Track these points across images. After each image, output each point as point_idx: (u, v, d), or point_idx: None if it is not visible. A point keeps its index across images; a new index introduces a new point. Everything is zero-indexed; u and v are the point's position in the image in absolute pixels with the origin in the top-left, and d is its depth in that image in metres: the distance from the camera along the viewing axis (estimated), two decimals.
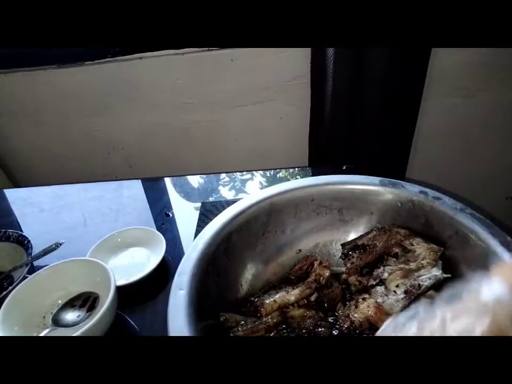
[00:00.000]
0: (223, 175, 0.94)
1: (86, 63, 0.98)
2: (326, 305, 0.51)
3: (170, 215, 0.79)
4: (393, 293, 0.48)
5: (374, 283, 0.50)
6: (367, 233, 0.55)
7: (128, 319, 0.57)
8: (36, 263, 0.67)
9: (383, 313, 0.46)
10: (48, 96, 1.05)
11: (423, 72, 0.91)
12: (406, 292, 0.48)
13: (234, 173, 0.94)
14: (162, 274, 0.63)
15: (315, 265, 0.53)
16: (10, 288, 0.56)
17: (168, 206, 0.82)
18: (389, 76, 0.89)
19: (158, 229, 0.74)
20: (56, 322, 0.52)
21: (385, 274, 0.50)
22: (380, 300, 0.48)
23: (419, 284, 0.48)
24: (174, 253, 0.68)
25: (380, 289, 0.49)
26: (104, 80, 1.02)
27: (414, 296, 0.47)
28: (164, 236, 0.66)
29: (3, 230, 0.70)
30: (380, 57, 0.86)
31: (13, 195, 0.94)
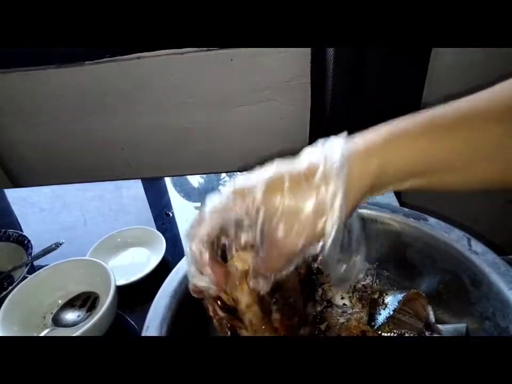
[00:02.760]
0: (223, 175, 0.94)
1: (85, 63, 0.98)
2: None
3: (170, 215, 0.79)
4: (344, 305, 0.46)
5: (322, 307, 0.46)
6: None
7: (128, 319, 0.57)
8: (35, 263, 0.67)
9: (361, 330, 0.43)
10: (48, 96, 1.05)
11: (423, 72, 0.91)
12: (360, 299, 0.46)
13: (235, 173, 0.94)
14: (162, 274, 0.63)
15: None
16: (10, 288, 0.56)
17: (168, 205, 0.82)
18: (389, 76, 0.89)
19: (158, 228, 0.73)
20: (56, 322, 0.52)
21: (330, 293, 0.47)
22: (342, 320, 0.44)
23: (363, 285, 0.47)
24: (174, 253, 0.68)
25: (333, 310, 0.46)
26: (104, 80, 1.02)
27: (369, 298, 0.46)
28: (163, 235, 0.66)
29: (3, 230, 0.70)
30: (380, 57, 0.86)
31: (13, 195, 0.94)
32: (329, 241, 0.27)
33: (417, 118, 0.29)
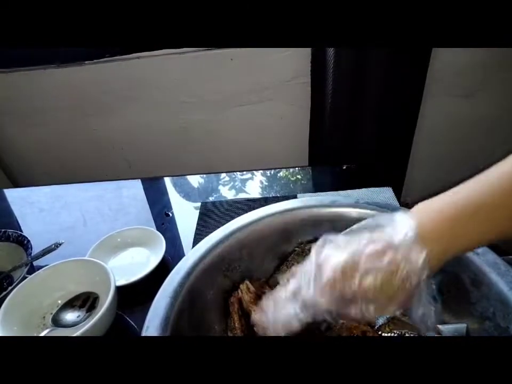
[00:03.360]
0: (223, 175, 0.94)
1: (85, 62, 0.98)
2: None
3: (170, 215, 0.79)
4: None
5: None
6: (285, 267, 0.50)
7: (128, 319, 0.57)
8: (35, 263, 0.67)
9: (361, 330, 0.43)
10: (48, 96, 1.05)
11: (423, 72, 0.91)
12: None
13: (234, 173, 0.94)
14: (162, 274, 0.63)
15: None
16: (10, 288, 0.56)
17: (168, 206, 0.82)
18: (389, 76, 0.89)
19: (158, 229, 0.73)
20: (56, 322, 0.52)
21: None
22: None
23: None
24: (174, 253, 0.68)
25: None
26: (104, 80, 1.02)
27: None
28: (163, 235, 0.66)
29: (3, 230, 0.70)
30: (380, 57, 0.86)
31: (13, 195, 0.94)
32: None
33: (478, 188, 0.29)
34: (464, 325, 0.42)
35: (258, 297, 0.46)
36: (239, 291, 0.47)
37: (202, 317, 0.45)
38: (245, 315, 0.46)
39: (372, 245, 0.29)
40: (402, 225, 0.29)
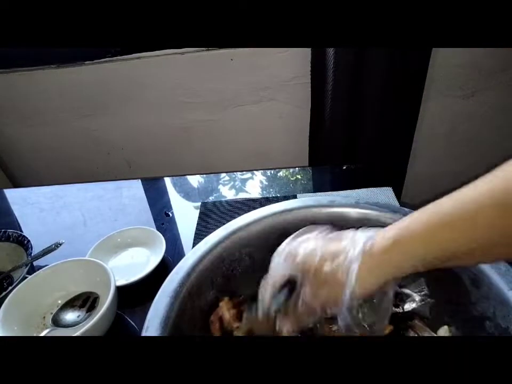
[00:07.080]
0: (223, 175, 0.94)
1: (85, 63, 0.98)
2: None
3: (170, 215, 0.79)
4: None
5: None
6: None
7: (128, 319, 0.57)
8: (35, 263, 0.67)
9: None
10: (48, 96, 1.05)
11: (423, 72, 0.91)
12: None
13: (234, 173, 0.94)
14: (162, 274, 0.63)
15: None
16: (10, 288, 0.56)
17: (168, 206, 0.82)
18: (389, 76, 0.89)
19: (158, 229, 0.73)
20: (56, 322, 0.52)
21: None
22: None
23: None
24: (174, 253, 0.68)
25: None
26: (104, 80, 1.02)
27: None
28: (163, 235, 0.66)
29: (3, 230, 0.70)
30: (380, 57, 0.86)
31: (13, 195, 0.94)
32: (344, 308, 0.32)
33: (428, 213, 0.30)
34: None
35: (239, 313, 0.45)
36: (219, 309, 0.46)
37: (202, 317, 0.45)
38: (227, 333, 0.45)
39: (334, 243, 0.34)
40: (361, 238, 0.32)
